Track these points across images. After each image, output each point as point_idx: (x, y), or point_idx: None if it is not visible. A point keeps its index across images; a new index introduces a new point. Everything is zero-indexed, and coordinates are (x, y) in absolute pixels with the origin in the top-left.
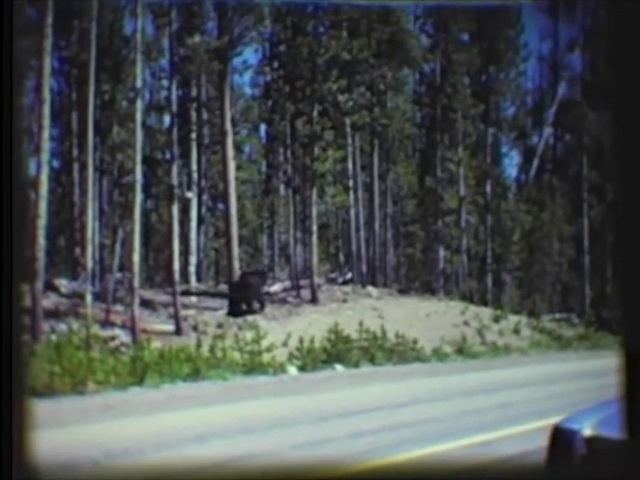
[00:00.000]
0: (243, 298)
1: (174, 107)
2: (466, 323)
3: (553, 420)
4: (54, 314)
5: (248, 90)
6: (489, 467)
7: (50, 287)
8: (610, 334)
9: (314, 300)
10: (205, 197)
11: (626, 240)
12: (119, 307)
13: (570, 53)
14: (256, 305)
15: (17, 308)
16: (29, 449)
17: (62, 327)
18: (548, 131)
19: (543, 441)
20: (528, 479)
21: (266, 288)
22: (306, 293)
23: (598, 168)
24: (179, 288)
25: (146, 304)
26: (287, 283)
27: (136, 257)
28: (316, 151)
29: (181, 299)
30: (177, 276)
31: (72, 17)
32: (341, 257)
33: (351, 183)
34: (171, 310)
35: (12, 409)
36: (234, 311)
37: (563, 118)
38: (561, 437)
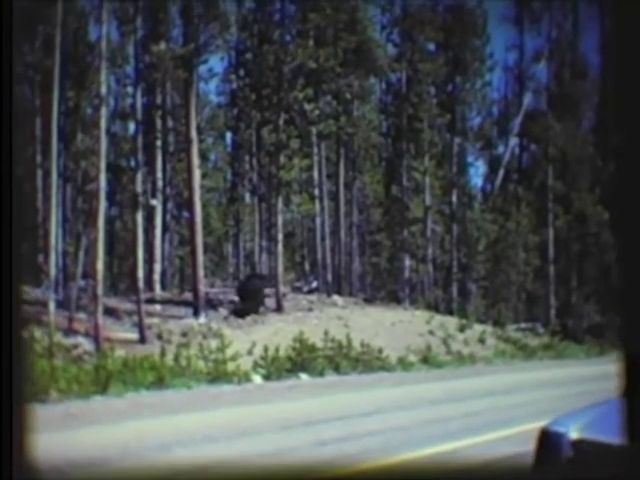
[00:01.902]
0: (251, 299)
1: (139, 114)
2: (431, 332)
3: (518, 429)
4: None
5: (214, 98)
6: (454, 475)
7: None
8: (575, 343)
9: (279, 309)
10: (170, 205)
11: (626, 247)
12: (82, 315)
13: (536, 64)
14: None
15: (17, 315)
16: (29, 452)
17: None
18: (514, 141)
19: (508, 449)
20: None
21: (231, 298)
22: (271, 302)
23: (563, 178)
24: (143, 296)
25: (110, 312)
26: None
27: (100, 265)
28: (282, 159)
29: (145, 307)
30: (141, 284)
31: (36, 23)
32: (307, 266)
33: (317, 192)
34: (135, 318)
35: (12, 413)
36: (243, 311)
37: (529, 128)
38: (548, 440)
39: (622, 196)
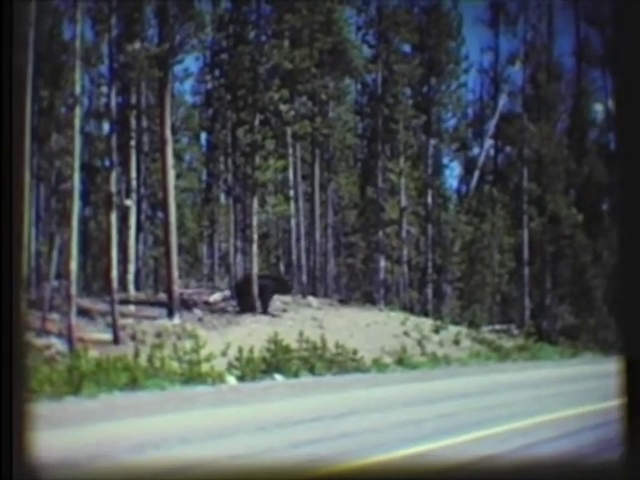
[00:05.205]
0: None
1: (113, 114)
2: (406, 334)
3: (492, 430)
4: None
5: (189, 98)
6: (429, 477)
7: None
8: (549, 345)
9: (253, 310)
10: (144, 205)
11: (627, 252)
12: (55, 315)
13: (511, 66)
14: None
15: (19, 315)
16: (29, 450)
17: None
18: (489, 143)
19: (482, 451)
20: None
21: (205, 299)
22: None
23: (538, 180)
24: (117, 297)
25: (83, 313)
26: (227, 292)
27: (73, 265)
28: (257, 160)
29: (119, 308)
30: (115, 284)
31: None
32: (282, 267)
33: (292, 193)
34: (109, 319)
35: (12, 411)
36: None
37: (504, 130)
38: None
39: (623, 198)
